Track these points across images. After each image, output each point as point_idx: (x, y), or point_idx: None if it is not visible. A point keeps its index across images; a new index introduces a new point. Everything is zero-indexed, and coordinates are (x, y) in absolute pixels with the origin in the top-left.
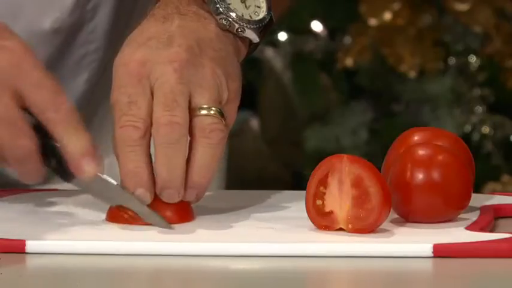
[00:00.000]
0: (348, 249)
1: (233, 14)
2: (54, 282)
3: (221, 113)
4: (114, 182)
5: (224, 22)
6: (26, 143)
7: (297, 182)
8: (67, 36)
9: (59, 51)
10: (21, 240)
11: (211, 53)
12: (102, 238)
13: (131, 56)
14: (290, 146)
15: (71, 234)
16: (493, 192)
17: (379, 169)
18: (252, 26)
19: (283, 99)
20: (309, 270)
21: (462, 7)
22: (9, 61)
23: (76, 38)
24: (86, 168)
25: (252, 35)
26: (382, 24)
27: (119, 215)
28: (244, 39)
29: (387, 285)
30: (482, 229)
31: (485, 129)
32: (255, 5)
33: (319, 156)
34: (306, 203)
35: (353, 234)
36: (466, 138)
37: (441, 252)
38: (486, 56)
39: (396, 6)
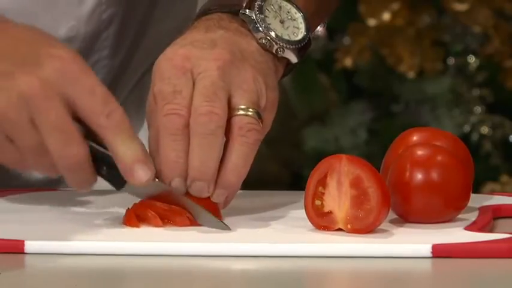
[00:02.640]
0: (346, 249)
1: (273, 34)
2: (53, 283)
3: (259, 115)
4: (167, 187)
5: (264, 41)
6: (78, 151)
7: (296, 182)
8: (82, 44)
9: None
10: (20, 240)
11: (253, 62)
12: (101, 238)
13: (175, 52)
14: (289, 146)
15: (70, 235)
16: (492, 192)
17: (378, 169)
18: (291, 47)
19: (282, 100)
20: (308, 270)
21: (461, 7)
22: (59, 69)
23: (91, 45)
24: (138, 174)
25: (290, 55)
26: (381, 24)
27: (140, 218)
28: (282, 60)
29: (386, 285)
30: (481, 229)
31: (484, 130)
32: (294, 26)
33: (319, 156)
34: (305, 203)
35: (352, 234)
36: (465, 138)
37: (440, 252)
38: (485, 56)
39: (395, 6)
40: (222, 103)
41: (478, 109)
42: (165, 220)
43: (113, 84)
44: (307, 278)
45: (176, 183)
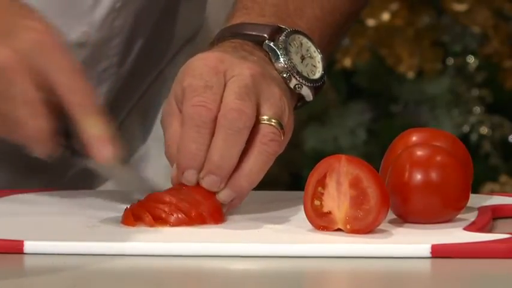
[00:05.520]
0: (346, 249)
1: (294, 69)
2: (52, 283)
3: (282, 127)
4: (131, 170)
5: (285, 75)
6: (40, 124)
7: (295, 182)
8: (93, 50)
9: (83, 64)
10: (20, 240)
11: (278, 83)
12: (101, 239)
13: (209, 54)
14: (288, 146)
15: (70, 235)
16: (491, 192)
17: (378, 170)
18: (309, 84)
19: None
20: (307, 270)
21: (460, 7)
22: (33, 41)
23: (101, 52)
24: (102, 152)
25: (307, 93)
26: (381, 24)
27: (136, 217)
28: (295, 96)
29: (385, 285)
30: (480, 229)
31: (484, 130)
32: (312, 64)
33: (318, 156)
34: (304, 204)
35: (351, 234)
36: (464, 138)
37: (439, 252)
38: (484, 57)
39: (394, 6)
40: (253, 105)
41: (477, 109)
42: (159, 220)
43: (119, 93)
44: (306, 278)
45: (189, 174)
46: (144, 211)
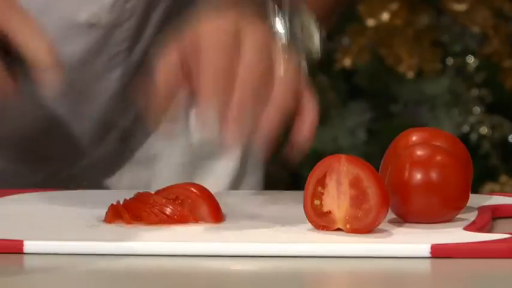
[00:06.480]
0: (345, 249)
1: None
2: (52, 283)
3: None
4: None
5: None
6: None
7: (295, 182)
8: (104, 32)
9: (95, 46)
10: (19, 240)
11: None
12: (101, 239)
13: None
14: (288, 145)
15: (70, 235)
16: (491, 192)
17: (378, 169)
18: None
19: None
20: (307, 270)
21: (460, 7)
22: None
23: (112, 35)
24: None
25: None
26: (380, 24)
27: (116, 215)
28: None
29: (385, 285)
30: (480, 229)
31: (483, 130)
32: None
33: (318, 156)
34: (304, 203)
35: (351, 234)
36: (464, 138)
37: (439, 252)
38: (484, 57)
39: (394, 6)
40: None
41: (477, 109)
42: (138, 219)
43: (130, 82)
44: (306, 278)
45: None
46: (123, 209)
